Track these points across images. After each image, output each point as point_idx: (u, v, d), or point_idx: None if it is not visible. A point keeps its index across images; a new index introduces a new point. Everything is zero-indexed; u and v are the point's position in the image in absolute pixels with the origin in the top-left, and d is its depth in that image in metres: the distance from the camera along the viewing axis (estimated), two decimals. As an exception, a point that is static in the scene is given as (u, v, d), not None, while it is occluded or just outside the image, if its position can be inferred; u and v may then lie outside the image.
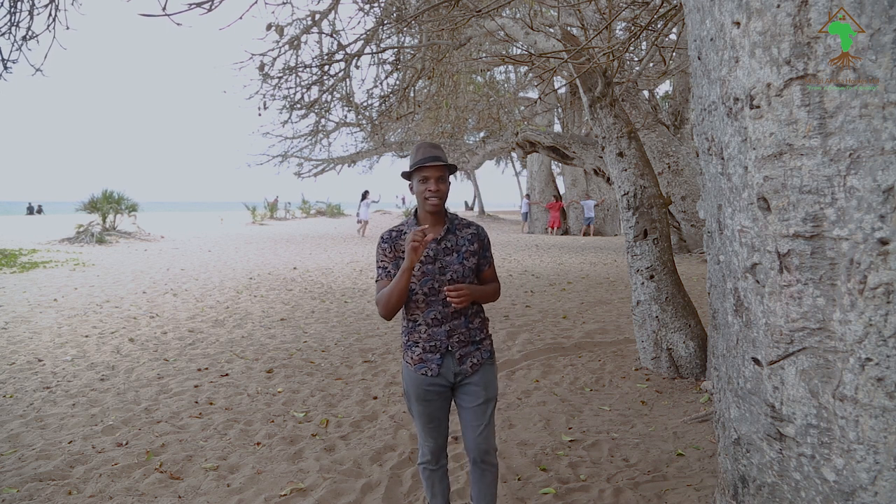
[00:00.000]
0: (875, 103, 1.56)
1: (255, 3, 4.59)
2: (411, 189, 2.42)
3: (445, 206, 2.44)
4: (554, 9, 7.11)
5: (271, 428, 3.93)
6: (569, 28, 7.50)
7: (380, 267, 2.39)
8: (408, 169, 2.42)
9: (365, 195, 22.52)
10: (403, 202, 39.85)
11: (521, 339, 6.23)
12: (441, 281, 2.33)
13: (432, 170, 2.33)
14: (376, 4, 6.64)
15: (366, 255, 15.03)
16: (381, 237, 2.40)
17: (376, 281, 2.40)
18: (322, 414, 4.20)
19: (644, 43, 9.66)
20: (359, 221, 22.48)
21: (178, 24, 3.98)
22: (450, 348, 2.37)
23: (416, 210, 2.46)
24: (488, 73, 14.95)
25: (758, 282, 1.86)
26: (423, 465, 2.56)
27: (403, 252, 2.32)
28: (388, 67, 7.85)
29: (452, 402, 2.51)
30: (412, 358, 2.40)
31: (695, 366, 4.98)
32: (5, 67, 5.34)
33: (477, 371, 2.41)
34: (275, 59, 6.64)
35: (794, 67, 1.68)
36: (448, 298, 2.25)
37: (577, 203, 23.26)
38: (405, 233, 2.36)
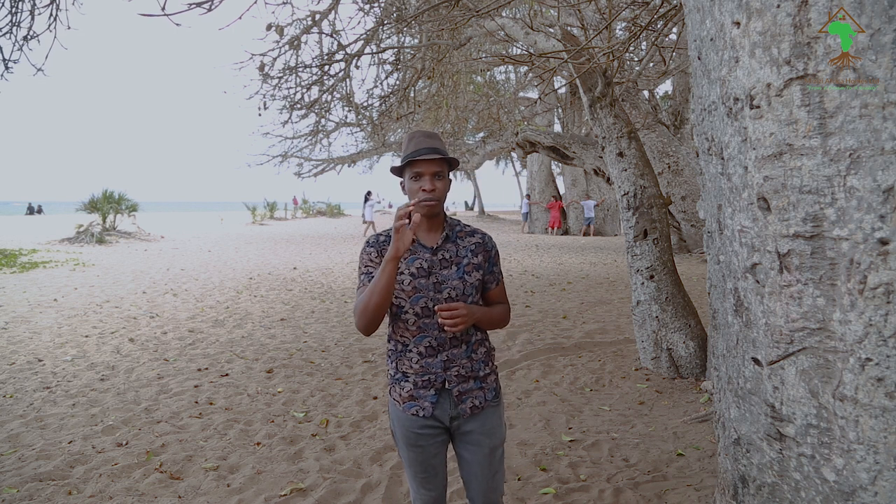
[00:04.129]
0: (875, 103, 1.56)
1: (255, 3, 4.59)
2: (403, 188, 1.99)
3: (445, 209, 2.03)
4: (554, 9, 7.10)
5: (271, 428, 3.93)
6: (569, 28, 7.50)
7: (363, 273, 1.95)
8: (398, 163, 1.99)
9: (368, 196, 22.59)
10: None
11: (521, 339, 6.23)
12: (436, 299, 1.91)
13: (427, 164, 1.88)
14: (376, 4, 6.64)
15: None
16: (367, 241, 2.00)
17: (357, 289, 1.96)
18: (322, 414, 4.20)
19: (644, 43, 9.65)
20: (364, 223, 22.57)
21: (177, 25, 3.97)
22: (447, 384, 1.94)
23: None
24: (488, 73, 14.95)
25: (758, 282, 1.86)
26: None
27: None
28: (388, 67, 7.85)
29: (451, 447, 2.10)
30: (401, 395, 1.97)
31: (695, 366, 4.98)
32: (7, 67, 5.35)
33: (477, 415, 1.98)
34: (275, 59, 6.64)
35: (794, 67, 1.68)
36: (440, 320, 1.84)
37: (577, 203, 23.27)
38: None
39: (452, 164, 1.97)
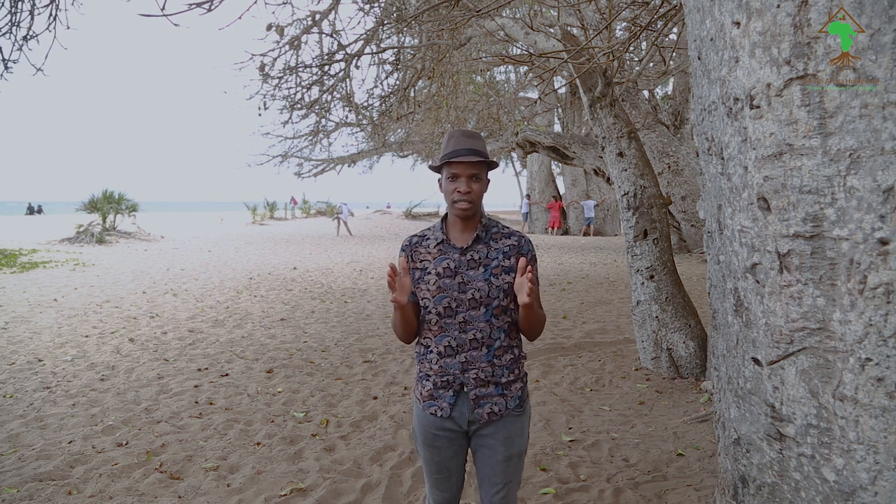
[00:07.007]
0: (875, 103, 1.56)
1: (255, 3, 4.59)
2: (440, 185, 1.95)
3: (482, 209, 2.00)
4: (554, 9, 7.11)
5: (271, 428, 3.93)
6: (569, 28, 7.50)
7: None
8: (437, 162, 1.96)
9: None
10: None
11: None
12: (460, 300, 1.90)
13: (465, 166, 1.86)
14: (376, 4, 6.64)
15: (366, 255, 15.03)
16: (402, 245, 2.02)
17: None
18: (322, 414, 4.20)
19: (644, 43, 9.66)
20: (336, 221, 23.14)
21: (175, 25, 3.97)
22: (464, 386, 1.92)
23: (446, 213, 2.01)
24: (488, 73, 14.95)
25: (758, 282, 1.86)
26: None
27: (422, 262, 1.96)
28: (388, 67, 7.85)
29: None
30: (421, 393, 1.98)
31: (695, 366, 4.98)
32: (6, 67, 5.34)
33: (496, 421, 1.94)
34: (275, 59, 6.64)
35: (794, 67, 1.68)
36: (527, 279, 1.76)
37: (577, 203, 23.27)
38: (428, 238, 1.99)
39: (492, 166, 1.93)
